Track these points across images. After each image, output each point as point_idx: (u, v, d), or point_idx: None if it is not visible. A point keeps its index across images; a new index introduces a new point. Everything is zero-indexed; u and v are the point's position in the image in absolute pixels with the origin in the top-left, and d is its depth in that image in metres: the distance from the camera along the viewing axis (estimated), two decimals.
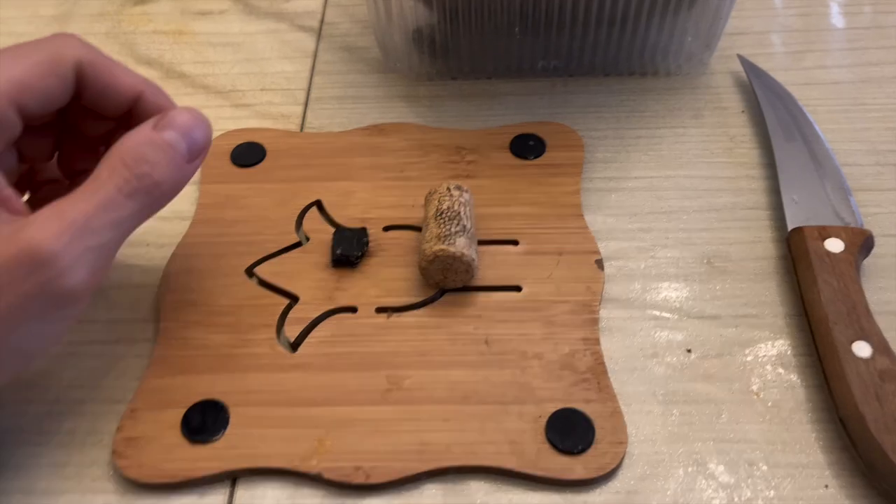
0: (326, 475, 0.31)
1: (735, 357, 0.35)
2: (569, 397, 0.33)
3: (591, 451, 0.31)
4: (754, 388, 0.34)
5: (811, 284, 0.35)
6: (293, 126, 0.45)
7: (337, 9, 0.52)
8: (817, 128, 0.42)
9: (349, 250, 0.37)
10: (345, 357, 0.35)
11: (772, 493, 0.31)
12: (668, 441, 0.33)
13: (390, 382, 0.34)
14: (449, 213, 0.36)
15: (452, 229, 0.35)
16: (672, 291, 0.37)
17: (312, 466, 0.31)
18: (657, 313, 0.36)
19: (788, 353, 0.35)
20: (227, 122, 0.44)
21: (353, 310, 0.36)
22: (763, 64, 0.46)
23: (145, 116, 0.32)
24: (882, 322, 0.33)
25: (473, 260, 0.35)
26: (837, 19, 0.50)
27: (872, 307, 0.33)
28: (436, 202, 0.37)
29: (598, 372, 0.34)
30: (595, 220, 0.40)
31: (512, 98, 0.46)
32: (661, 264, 0.38)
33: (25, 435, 0.33)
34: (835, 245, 0.35)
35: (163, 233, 0.40)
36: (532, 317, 0.36)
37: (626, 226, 0.40)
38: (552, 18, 0.43)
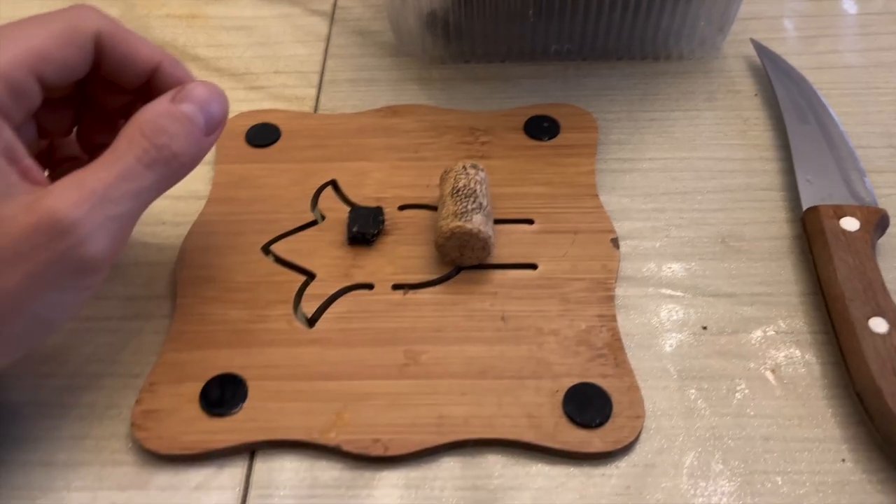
0: (345, 447, 0.31)
1: (750, 334, 0.35)
2: (586, 372, 0.33)
3: (608, 425, 0.32)
4: (770, 364, 0.34)
5: (827, 262, 0.35)
6: (307, 108, 0.45)
7: None
8: (831, 110, 0.42)
9: (365, 228, 0.37)
10: (362, 332, 0.35)
11: (789, 467, 0.31)
12: (684, 416, 0.33)
13: (407, 357, 0.34)
14: (465, 191, 0.36)
15: (469, 206, 0.35)
16: (687, 270, 0.37)
17: (331, 439, 0.32)
18: (673, 292, 0.36)
19: (804, 330, 0.35)
20: (240, 105, 0.45)
21: (369, 287, 0.36)
22: (775, 48, 0.46)
23: (163, 88, 0.32)
24: None
25: (490, 237, 0.35)
26: (849, 5, 0.50)
27: (888, 285, 0.34)
28: (451, 180, 0.37)
29: (614, 348, 0.34)
30: (610, 201, 0.40)
31: (525, 81, 0.46)
32: (676, 244, 0.38)
33: (45, 408, 0.33)
34: (850, 224, 0.36)
35: (178, 211, 0.40)
36: (548, 294, 0.36)
37: (641, 206, 0.40)
38: (566, 2, 0.43)
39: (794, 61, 0.45)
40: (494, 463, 0.32)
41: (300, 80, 0.47)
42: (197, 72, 0.47)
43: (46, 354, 0.35)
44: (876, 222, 0.36)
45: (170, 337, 0.35)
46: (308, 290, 0.36)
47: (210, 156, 0.41)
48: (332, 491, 0.31)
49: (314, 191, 0.40)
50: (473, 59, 0.47)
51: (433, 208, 0.39)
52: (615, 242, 0.37)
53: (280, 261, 0.37)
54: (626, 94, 0.45)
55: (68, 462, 0.32)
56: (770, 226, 0.39)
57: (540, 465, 0.32)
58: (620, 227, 0.38)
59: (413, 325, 0.35)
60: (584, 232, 0.38)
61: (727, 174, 0.41)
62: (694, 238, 0.38)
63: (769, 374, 0.34)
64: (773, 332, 0.35)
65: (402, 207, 0.39)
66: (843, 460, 0.31)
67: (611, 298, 0.35)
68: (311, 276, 0.37)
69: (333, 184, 0.40)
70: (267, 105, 0.45)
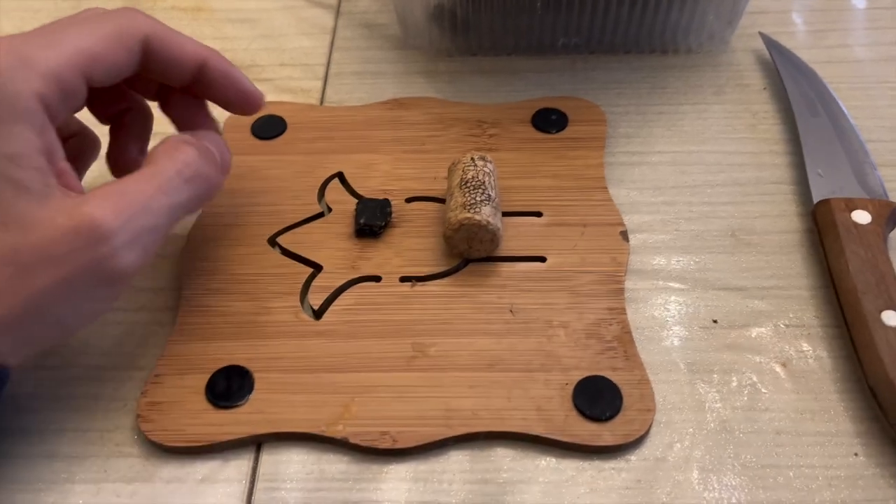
0: (353, 440, 0.31)
1: (761, 328, 0.35)
2: (595, 365, 0.33)
3: (618, 418, 0.31)
4: (781, 358, 0.34)
5: (839, 255, 0.34)
6: (313, 100, 0.45)
7: None
8: (841, 104, 0.42)
9: (372, 220, 0.37)
10: (369, 325, 0.34)
11: (801, 461, 0.31)
12: (695, 410, 0.32)
13: (415, 350, 0.33)
14: (473, 183, 0.36)
15: (478, 198, 0.35)
16: (697, 264, 0.37)
17: (338, 431, 0.31)
18: (682, 285, 0.36)
19: (815, 324, 0.35)
20: None
21: (376, 279, 0.36)
22: (784, 42, 0.46)
23: (210, 82, 0.33)
24: None
25: (499, 229, 0.35)
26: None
27: None
28: (460, 172, 0.37)
29: (624, 341, 0.33)
30: (618, 194, 0.39)
31: (532, 75, 0.46)
32: (686, 237, 0.38)
33: (49, 401, 0.33)
34: (862, 217, 0.35)
35: None
36: (557, 286, 0.35)
37: (650, 199, 0.39)
38: None
39: (803, 55, 0.45)
40: (503, 456, 0.31)
41: (306, 73, 0.46)
42: None
43: (51, 347, 0.34)
44: (888, 215, 0.35)
45: (175, 329, 0.35)
46: (315, 282, 0.36)
47: None
48: (339, 484, 0.31)
49: (320, 183, 0.40)
50: (480, 52, 0.47)
51: (440, 201, 0.39)
52: (624, 235, 0.37)
53: (286, 253, 0.37)
54: (634, 87, 0.45)
55: (73, 454, 0.32)
56: (780, 219, 0.38)
57: (549, 458, 0.31)
58: (629, 221, 0.38)
59: (421, 317, 0.35)
60: (593, 225, 0.37)
61: (736, 168, 0.41)
62: (703, 231, 0.38)
63: (780, 368, 0.33)
64: (783, 326, 0.35)
65: (409, 200, 0.39)
66: (856, 454, 0.31)
67: (620, 291, 0.35)
68: (317, 268, 0.36)
69: (340, 176, 0.40)
70: (273, 97, 0.45)
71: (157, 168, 0.30)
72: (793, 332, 0.34)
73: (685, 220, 0.39)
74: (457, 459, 0.31)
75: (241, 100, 0.34)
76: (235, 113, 0.35)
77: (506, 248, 0.37)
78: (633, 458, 0.31)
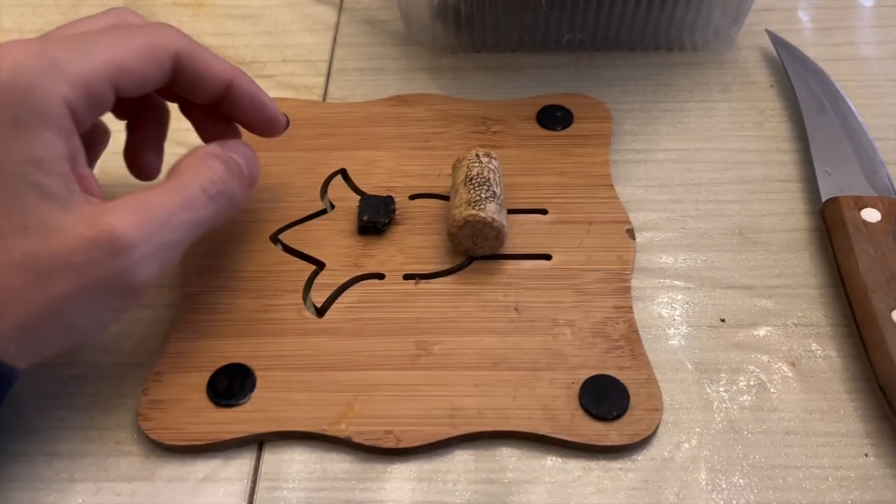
0: (356, 439, 0.31)
1: (770, 327, 0.34)
2: (602, 364, 0.32)
3: (625, 418, 0.31)
4: (790, 357, 0.33)
5: (848, 254, 0.34)
6: (315, 97, 0.45)
7: None
8: (849, 101, 0.41)
9: (376, 217, 0.37)
10: (373, 322, 0.34)
11: (811, 461, 0.30)
12: (702, 409, 0.32)
13: (419, 348, 0.33)
14: (478, 179, 0.35)
15: (482, 195, 0.35)
16: (704, 262, 0.37)
17: (341, 430, 0.31)
18: (689, 283, 0.36)
19: (823, 323, 0.34)
20: None
21: (380, 276, 0.36)
22: (791, 40, 0.45)
23: (236, 102, 0.33)
24: None
25: (504, 226, 0.34)
26: None
27: None
28: (464, 169, 0.36)
29: (631, 339, 0.33)
30: (624, 192, 0.39)
31: (537, 71, 0.45)
32: (693, 235, 0.38)
33: (49, 398, 0.33)
34: (871, 215, 0.35)
35: None
36: (563, 285, 0.35)
37: (656, 197, 0.39)
38: None
39: (810, 53, 0.44)
40: (509, 456, 0.31)
41: (308, 69, 0.46)
42: None
43: None
44: None
45: (176, 326, 0.34)
46: (317, 280, 0.36)
47: None
48: (342, 483, 0.30)
49: (323, 179, 0.39)
50: (484, 48, 0.46)
51: (444, 198, 0.38)
52: (630, 233, 0.37)
53: (289, 250, 0.37)
54: (639, 84, 0.44)
55: (73, 453, 0.31)
56: (788, 217, 0.38)
57: (555, 458, 0.31)
58: (635, 218, 0.38)
59: (425, 315, 0.34)
60: (599, 222, 0.37)
61: (743, 165, 0.40)
62: (710, 229, 0.38)
63: (789, 368, 0.33)
64: (792, 325, 0.34)
65: (412, 197, 0.39)
66: (866, 455, 0.30)
67: (627, 289, 0.35)
68: (320, 265, 0.36)
69: (343, 173, 0.40)
70: (275, 94, 0.44)
71: (181, 182, 0.30)
72: (801, 331, 0.34)
73: (692, 217, 0.38)
74: (461, 459, 0.31)
75: (263, 122, 0.35)
76: (256, 134, 0.35)
77: (511, 245, 0.36)
78: (640, 458, 0.31)
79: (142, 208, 0.28)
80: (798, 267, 0.36)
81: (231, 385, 0.32)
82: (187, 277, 0.36)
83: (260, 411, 0.32)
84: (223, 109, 0.34)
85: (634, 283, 0.36)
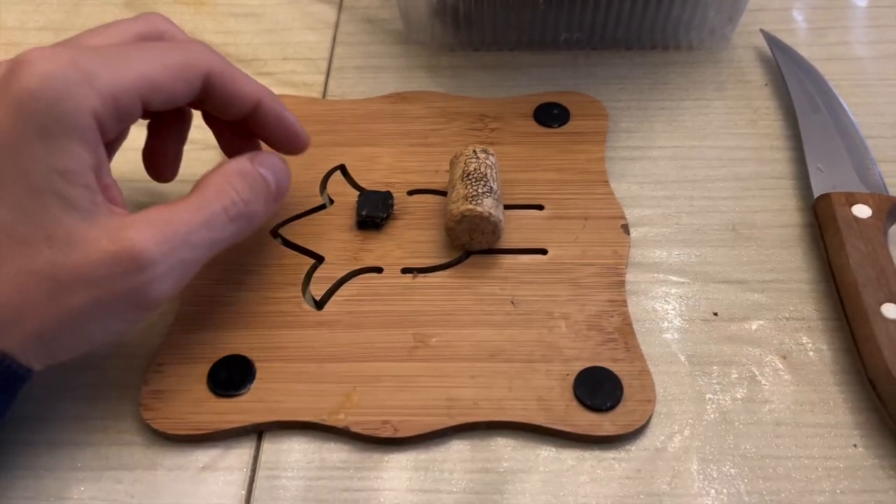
0: (354, 428, 0.31)
1: (762, 320, 0.35)
2: (596, 356, 0.33)
3: (619, 409, 0.31)
4: (781, 350, 0.34)
5: (839, 249, 0.34)
6: (315, 94, 0.45)
7: None
8: (842, 100, 0.42)
9: (374, 212, 0.37)
10: (371, 315, 0.34)
11: (801, 452, 0.31)
12: (695, 401, 0.32)
13: (417, 340, 0.34)
14: (476, 175, 0.36)
15: (479, 190, 0.35)
16: (698, 257, 0.37)
17: (340, 420, 0.31)
18: (683, 278, 0.36)
19: (814, 317, 0.35)
20: None
21: (378, 270, 0.36)
22: (785, 39, 0.46)
23: (262, 121, 0.33)
24: None
25: (500, 221, 0.35)
26: None
27: None
28: (462, 164, 0.37)
29: (625, 332, 0.34)
30: (620, 188, 0.39)
31: (534, 70, 0.46)
32: (687, 231, 0.38)
33: (51, 389, 0.33)
34: (862, 211, 0.35)
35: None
36: (558, 279, 0.35)
37: (651, 193, 0.40)
38: None
39: (804, 52, 0.45)
40: (504, 446, 0.31)
41: (309, 67, 0.47)
42: None
43: None
44: (888, 210, 0.35)
45: (177, 318, 0.35)
46: (316, 273, 0.36)
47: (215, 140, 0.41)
48: (340, 472, 0.31)
49: (323, 175, 0.40)
50: (483, 47, 0.47)
51: (442, 193, 0.39)
52: (625, 228, 0.37)
53: (288, 244, 0.37)
54: (635, 83, 0.45)
55: (74, 442, 0.32)
56: (780, 214, 0.39)
57: (550, 448, 0.31)
58: (630, 214, 0.38)
59: (422, 308, 0.35)
60: (595, 218, 0.38)
61: (737, 162, 0.41)
62: (704, 225, 0.38)
63: (780, 361, 0.33)
64: (784, 319, 0.35)
65: (411, 192, 0.39)
66: (855, 446, 0.31)
67: (621, 283, 0.35)
68: (319, 259, 0.37)
69: (342, 168, 0.40)
70: (275, 91, 0.44)
71: (205, 200, 0.30)
72: (793, 325, 0.35)
73: (686, 213, 0.39)
74: (457, 449, 0.31)
75: (287, 141, 0.35)
76: (279, 152, 0.35)
77: (507, 240, 0.37)
78: (633, 448, 0.31)
79: (163, 224, 0.28)
80: (790, 262, 0.37)
81: (231, 376, 0.33)
82: None
83: (260, 402, 0.32)
84: (248, 126, 0.34)
85: (629, 277, 0.36)
